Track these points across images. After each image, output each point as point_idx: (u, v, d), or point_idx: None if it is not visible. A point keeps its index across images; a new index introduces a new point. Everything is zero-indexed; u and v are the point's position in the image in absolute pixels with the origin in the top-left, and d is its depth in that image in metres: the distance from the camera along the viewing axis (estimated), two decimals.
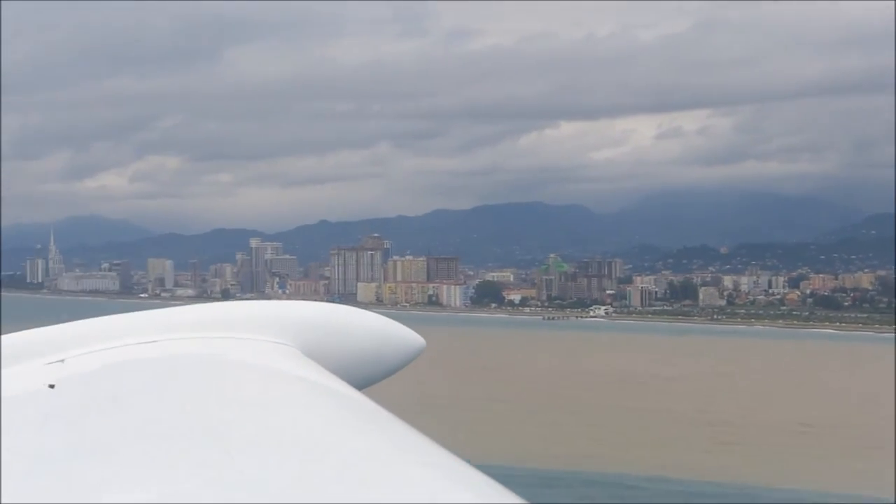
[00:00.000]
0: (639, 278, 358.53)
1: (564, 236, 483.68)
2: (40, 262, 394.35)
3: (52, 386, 7.92)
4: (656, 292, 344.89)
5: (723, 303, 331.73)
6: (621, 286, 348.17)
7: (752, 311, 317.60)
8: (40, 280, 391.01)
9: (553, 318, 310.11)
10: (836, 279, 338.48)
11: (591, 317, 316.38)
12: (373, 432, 6.51)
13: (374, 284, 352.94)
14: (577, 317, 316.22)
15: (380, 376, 10.46)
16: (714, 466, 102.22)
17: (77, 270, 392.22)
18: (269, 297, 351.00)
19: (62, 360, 8.89)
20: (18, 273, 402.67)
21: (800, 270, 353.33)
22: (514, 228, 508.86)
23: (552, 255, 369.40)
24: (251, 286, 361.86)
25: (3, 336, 9.11)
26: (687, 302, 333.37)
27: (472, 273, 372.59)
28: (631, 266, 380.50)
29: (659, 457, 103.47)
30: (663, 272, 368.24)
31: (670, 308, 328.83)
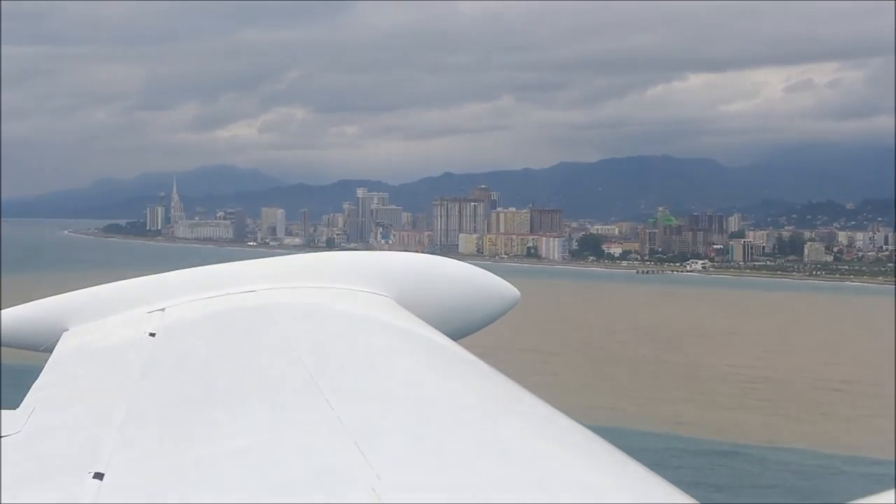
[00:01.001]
0: (751, 233, 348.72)
1: (692, 190, 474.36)
2: (160, 210, 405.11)
3: (152, 334, 8.32)
4: (763, 247, 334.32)
5: (829, 258, 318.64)
6: (732, 241, 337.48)
7: (856, 268, 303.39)
8: (159, 227, 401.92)
9: (647, 272, 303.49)
10: None
11: (688, 271, 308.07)
12: (468, 382, 6.65)
13: (475, 236, 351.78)
14: (672, 271, 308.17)
15: (475, 327, 10.69)
16: (729, 423, 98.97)
17: (196, 218, 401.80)
18: (372, 247, 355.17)
19: (163, 309, 9.30)
20: (140, 220, 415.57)
21: None
22: (641, 182, 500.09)
23: (660, 208, 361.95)
24: (357, 236, 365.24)
25: (105, 285, 9.76)
26: (791, 257, 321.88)
27: (576, 226, 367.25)
28: (753, 221, 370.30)
29: (680, 412, 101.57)
30: (786, 227, 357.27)
31: (772, 263, 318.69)
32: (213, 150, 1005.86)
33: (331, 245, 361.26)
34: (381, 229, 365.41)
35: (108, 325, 9.35)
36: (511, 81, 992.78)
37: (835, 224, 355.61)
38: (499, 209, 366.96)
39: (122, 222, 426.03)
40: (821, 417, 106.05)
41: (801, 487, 76.55)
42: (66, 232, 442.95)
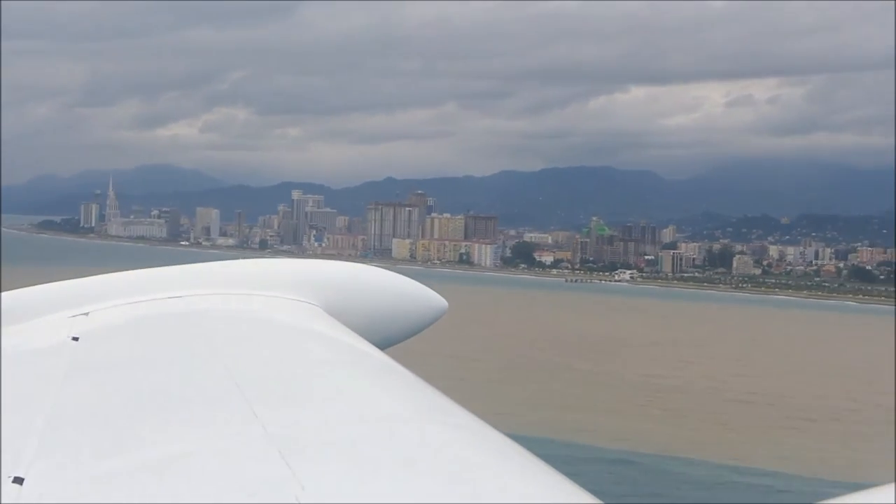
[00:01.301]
0: (684, 245, 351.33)
1: (633, 202, 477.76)
2: (94, 208, 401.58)
3: (75, 338, 8.17)
4: (694, 259, 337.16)
5: (758, 272, 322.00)
6: (664, 252, 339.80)
7: (782, 281, 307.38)
8: (93, 225, 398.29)
9: (576, 281, 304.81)
10: (886, 253, 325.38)
11: (616, 281, 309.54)
12: (392, 390, 6.65)
13: (408, 241, 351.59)
14: (600, 280, 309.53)
15: (402, 336, 10.70)
16: (630, 431, 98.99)
17: (132, 217, 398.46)
18: (305, 250, 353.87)
19: (87, 313, 9.15)
20: (75, 218, 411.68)
21: (856, 244, 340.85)
22: (582, 192, 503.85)
23: (594, 218, 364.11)
24: (291, 238, 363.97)
25: (29, 288, 9.53)
26: (721, 270, 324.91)
27: (513, 233, 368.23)
28: (688, 233, 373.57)
29: (582, 420, 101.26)
30: (721, 240, 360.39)
31: (700, 275, 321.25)
32: (155, 149, 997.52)
33: (264, 247, 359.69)
34: (314, 232, 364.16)
35: (30, 328, 9.14)
36: (456, 89, 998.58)
37: (769, 238, 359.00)
38: (433, 215, 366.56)
39: (58, 219, 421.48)
40: (721, 428, 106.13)
41: (693, 497, 76.51)
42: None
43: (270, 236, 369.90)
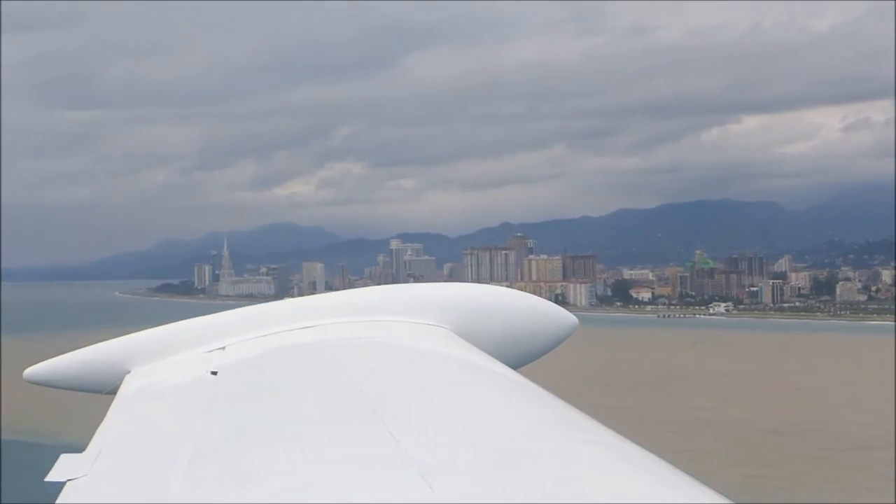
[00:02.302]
0: (794, 275, 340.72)
1: (753, 234, 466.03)
2: (207, 269, 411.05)
3: (214, 373, 8.49)
4: (800, 288, 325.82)
5: (863, 298, 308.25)
6: (761, 282, 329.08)
7: (884, 307, 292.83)
8: (205, 286, 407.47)
9: (668, 316, 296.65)
10: None
11: (711, 314, 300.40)
12: (530, 410, 6.63)
13: (505, 284, 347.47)
14: (694, 314, 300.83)
15: (534, 355, 10.78)
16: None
17: (245, 276, 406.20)
18: None
19: (223, 348, 9.53)
20: (187, 280, 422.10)
21: None
22: (701, 227, 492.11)
23: (698, 252, 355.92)
24: None
25: (165, 326, 10.06)
26: (825, 297, 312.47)
27: (613, 272, 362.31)
28: (808, 263, 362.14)
29: None
30: (842, 268, 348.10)
31: (801, 304, 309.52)
32: (274, 208, 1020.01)
33: None
34: (411, 280, 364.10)
35: (170, 365, 9.47)
36: (563, 130, 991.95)
37: (893, 263, 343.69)
38: (531, 257, 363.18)
39: (176, 281, 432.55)
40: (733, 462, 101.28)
41: None
42: (116, 293, 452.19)
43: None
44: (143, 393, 8.81)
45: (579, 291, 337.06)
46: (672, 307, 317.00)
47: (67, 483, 5.99)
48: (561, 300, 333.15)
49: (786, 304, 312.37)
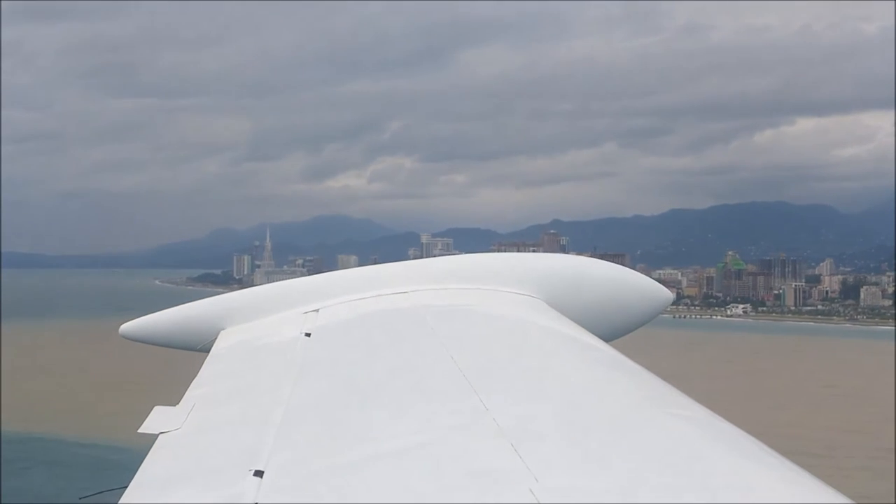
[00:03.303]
0: (827, 279, 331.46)
1: (806, 237, 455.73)
2: (246, 259, 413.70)
3: (308, 334, 8.93)
4: (827, 292, 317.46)
5: (888, 303, 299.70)
6: (797, 284, 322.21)
7: None
8: (243, 276, 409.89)
9: (684, 317, 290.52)
10: None
11: (728, 316, 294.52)
12: (622, 383, 6.72)
13: None
14: (711, 316, 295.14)
15: (627, 328, 10.95)
16: None
17: (285, 267, 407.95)
18: None
19: (318, 310, 9.92)
20: (229, 270, 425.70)
21: None
22: (754, 228, 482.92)
23: (730, 253, 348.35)
24: None
25: (260, 286, 10.70)
26: (849, 301, 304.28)
27: (642, 270, 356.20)
28: (855, 267, 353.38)
29: None
30: (887, 272, 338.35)
31: (823, 308, 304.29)
32: (327, 200, 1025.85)
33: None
34: None
35: (265, 325, 9.68)
36: (614, 128, 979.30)
37: None
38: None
39: (219, 271, 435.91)
40: None
41: None
42: (156, 281, 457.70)
43: None
44: (237, 351, 8.97)
45: None
46: (693, 308, 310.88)
47: (160, 435, 6.12)
48: None
49: (808, 308, 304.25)
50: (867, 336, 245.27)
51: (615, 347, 7.95)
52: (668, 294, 11.31)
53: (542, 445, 4.91)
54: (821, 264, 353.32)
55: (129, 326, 10.51)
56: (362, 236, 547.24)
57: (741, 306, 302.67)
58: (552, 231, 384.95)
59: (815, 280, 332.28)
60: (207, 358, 8.81)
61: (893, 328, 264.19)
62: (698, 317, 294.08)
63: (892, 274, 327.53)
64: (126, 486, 5.20)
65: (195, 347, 9.91)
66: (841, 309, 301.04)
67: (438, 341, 7.83)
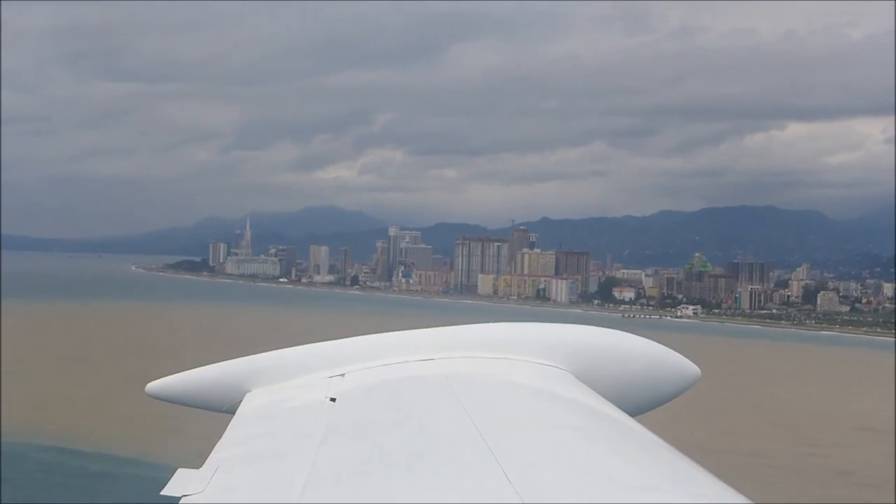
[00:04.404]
0: (795, 283, 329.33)
1: (796, 242, 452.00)
2: (222, 247, 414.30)
3: (333, 399, 8.92)
4: (788, 296, 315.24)
5: (846, 309, 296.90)
6: (771, 288, 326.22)
7: (853, 318, 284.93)
8: (220, 264, 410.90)
9: (633, 317, 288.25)
10: None
11: (677, 317, 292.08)
12: (648, 461, 6.73)
13: (491, 276, 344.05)
14: (660, 316, 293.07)
15: (652, 404, 10.81)
16: None
17: (262, 257, 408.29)
18: (393, 286, 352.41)
19: (343, 375, 9.93)
20: (203, 258, 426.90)
21: None
22: (742, 233, 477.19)
23: (697, 254, 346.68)
24: (384, 275, 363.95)
25: (288, 349, 10.52)
26: (808, 306, 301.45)
27: (612, 269, 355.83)
28: (834, 274, 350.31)
29: None
30: (868, 280, 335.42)
31: (777, 311, 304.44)
32: (318, 191, 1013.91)
33: (355, 282, 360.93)
34: (402, 268, 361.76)
35: (290, 388, 9.66)
36: (601, 127, 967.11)
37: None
38: (524, 250, 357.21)
39: (199, 258, 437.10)
40: None
41: None
42: (132, 267, 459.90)
43: (365, 273, 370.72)
44: (262, 413, 8.94)
45: (560, 287, 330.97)
46: (646, 308, 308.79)
47: (182, 498, 6.22)
48: (543, 295, 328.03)
49: (763, 312, 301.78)
50: (799, 340, 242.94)
51: (641, 422, 7.94)
52: (696, 370, 10.91)
53: None
54: (797, 269, 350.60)
55: (155, 386, 10.38)
56: (354, 228, 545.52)
57: (692, 307, 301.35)
58: (522, 227, 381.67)
59: (784, 284, 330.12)
60: (232, 420, 8.80)
61: (837, 333, 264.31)
62: (646, 317, 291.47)
63: (873, 281, 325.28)
64: None
65: (221, 409, 9.90)
66: (795, 313, 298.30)
67: (464, 410, 7.77)
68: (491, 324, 11.18)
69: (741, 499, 5.48)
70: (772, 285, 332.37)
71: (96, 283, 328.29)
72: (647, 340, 11.06)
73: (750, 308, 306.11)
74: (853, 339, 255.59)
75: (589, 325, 11.18)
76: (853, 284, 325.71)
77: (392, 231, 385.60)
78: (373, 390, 9.12)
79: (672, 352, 11.00)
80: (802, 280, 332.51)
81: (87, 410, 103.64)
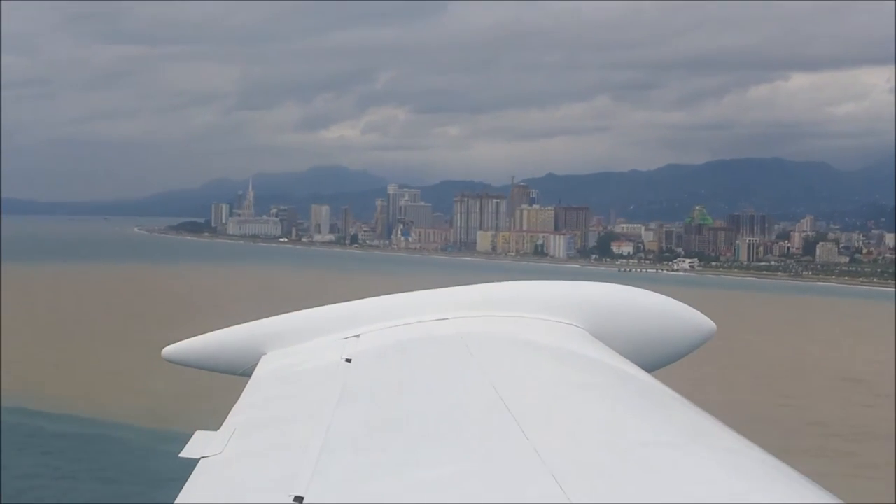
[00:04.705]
0: (796, 236, 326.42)
1: (802, 193, 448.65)
2: (224, 208, 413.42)
3: (348, 360, 8.91)
4: (788, 248, 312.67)
5: (845, 260, 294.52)
6: (750, 239, 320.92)
7: (852, 269, 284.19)
8: (222, 224, 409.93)
9: (629, 271, 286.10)
10: None
11: (674, 270, 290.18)
12: (666, 416, 6.67)
13: (489, 233, 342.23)
14: (656, 270, 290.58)
15: (669, 359, 10.83)
16: None
17: (264, 217, 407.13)
18: (393, 244, 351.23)
19: (358, 336, 9.92)
20: (206, 219, 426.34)
21: None
22: (749, 185, 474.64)
23: (697, 207, 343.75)
24: (383, 233, 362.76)
25: (302, 311, 10.46)
26: (806, 258, 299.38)
27: (615, 224, 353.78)
28: (841, 225, 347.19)
29: None
30: (873, 230, 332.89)
31: (773, 264, 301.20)
32: (323, 150, 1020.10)
33: (354, 241, 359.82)
34: (401, 226, 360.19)
35: (306, 350, 9.68)
36: (604, 81, 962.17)
37: None
38: (523, 206, 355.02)
39: (202, 220, 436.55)
40: None
41: None
42: (135, 229, 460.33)
43: (364, 231, 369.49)
44: (278, 376, 8.95)
45: (558, 242, 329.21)
46: (644, 262, 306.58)
47: (201, 460, 6.22)
48: (542, 251, 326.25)
49: (760, 264, 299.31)
50: (794, 291, 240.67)
51: (658, 378, 7.88)
52: (711, 325, 10.90)
53: (583, 476, 4.90)
54: (801, 221, 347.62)
55: (170, 350, 10.41)
56: (359, 187, 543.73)
57: (688, 261, 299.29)
58: (522, 183, 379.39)
59: (786, 237, 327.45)
60: (248, 383, 8.77)
61: (834, 284, 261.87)
62: (643, 271, 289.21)
63: (878, 232, 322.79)
64: None
65: (236, 372, 9.87)
66: (794, 265, 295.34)
67: (479, 369, 7.79)
68: (505, 282, 11.13)
69: (760, 452, 5.42)
70: (773, 237, 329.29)
71: (96, 245, 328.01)
72: (662, 296, 11.10)
73: (748, 260, 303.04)
74: (849, 289, 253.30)
75: (585, 279, 11.20)
76: (855, 235, 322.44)
77: (391, 189, 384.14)
78: (388, 351, 9.09)
79: (687, 307, 10.99)
80: (804, 232, 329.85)
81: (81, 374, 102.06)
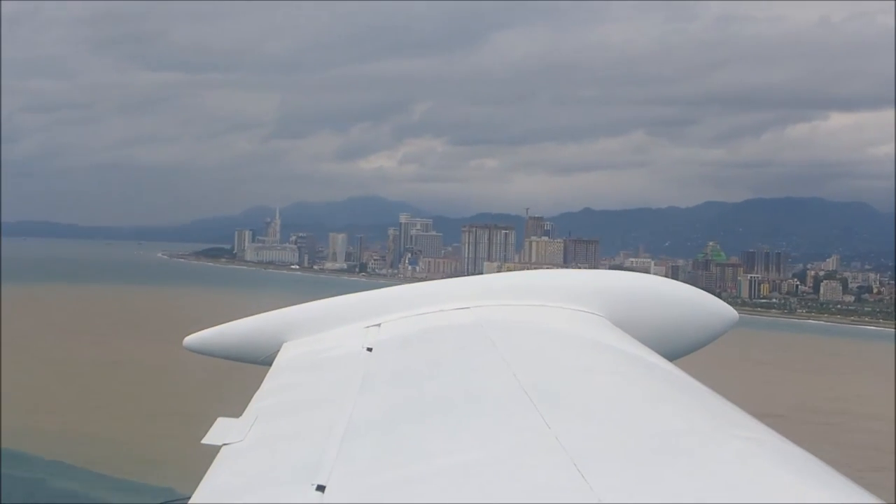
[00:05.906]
0: (811, 273, 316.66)
1: (841, 233, 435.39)
2: (247, 234, 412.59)
3: (369, 349, 9.10)
4: (797, 286, 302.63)
5: (850, 298, 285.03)
6: (782, 279, 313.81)
7: (850, 308, 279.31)
8: (241, 251, 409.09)
9: None
10: None
11: None
12: (686, 403, 6.74)
13: (495, 264, 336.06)
14: None
15: (691, 347, 11.09)
16: None
17: (286, 245, 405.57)
18: (400, 274, 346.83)
19: (379, 325, 10.13)
20: (228, 246, 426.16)
21: None
22: (787, 224, 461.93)
23: (711, 243, 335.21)
24: (392, 262, 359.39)
25: (324, 300, 10.76)
26: (812, 296, 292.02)
27: (619, 258, 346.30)
28: (872, 266, 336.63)
29: None
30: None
31: (777, 300, 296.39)
32: (361, 180, 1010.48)
33: (362, 269, 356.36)
34: (409, 255, 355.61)
35: (327, 338, 9.82)
36: (640, 116, 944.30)
37: None
38: (532, 238, 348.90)
39: (228, 246, 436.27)
40: None
41: None
42: (159, 254, 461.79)
43: (374, 259, 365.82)
44: (299, 364, 9.05)
45: None
46: None
47: (223, 447, 6.24)
48: None
49: (760, 301, 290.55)
50: (766, 327, 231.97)
51: (679, 366, 7.85)
52: (733, 313, 11.03)
53: (605, 464, 4.86)
54: (827, 260, 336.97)
55: (192, 339, 10.49)
56: (394, 219, 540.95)
57: None
58: (538, 216, 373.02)
59: (802, 275, 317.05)
60: (270, 371, 8.82)
61: (824, 322, 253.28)
62: None
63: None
64: (188, 498, 5.30)
65: (258, 360, 9.94)
66: (794, 302, 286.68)
67: (500, 357, 7.77)
68: (525, 271, 11.38)
69: (785, 441, 5.33)
70: (790, 275, 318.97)
71: (99, 268, 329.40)
72: (683, 284, 11.30)
73: (750, 297, 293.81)
74: (829, 327, 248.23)
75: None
76: (872, 275, 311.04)
77: (403, 218, 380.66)
78: (409, 339, 9.05)
79: (708, 295, 11.13)
80: (821, 270, 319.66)
81: None
